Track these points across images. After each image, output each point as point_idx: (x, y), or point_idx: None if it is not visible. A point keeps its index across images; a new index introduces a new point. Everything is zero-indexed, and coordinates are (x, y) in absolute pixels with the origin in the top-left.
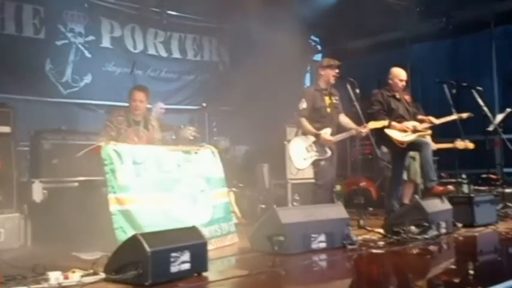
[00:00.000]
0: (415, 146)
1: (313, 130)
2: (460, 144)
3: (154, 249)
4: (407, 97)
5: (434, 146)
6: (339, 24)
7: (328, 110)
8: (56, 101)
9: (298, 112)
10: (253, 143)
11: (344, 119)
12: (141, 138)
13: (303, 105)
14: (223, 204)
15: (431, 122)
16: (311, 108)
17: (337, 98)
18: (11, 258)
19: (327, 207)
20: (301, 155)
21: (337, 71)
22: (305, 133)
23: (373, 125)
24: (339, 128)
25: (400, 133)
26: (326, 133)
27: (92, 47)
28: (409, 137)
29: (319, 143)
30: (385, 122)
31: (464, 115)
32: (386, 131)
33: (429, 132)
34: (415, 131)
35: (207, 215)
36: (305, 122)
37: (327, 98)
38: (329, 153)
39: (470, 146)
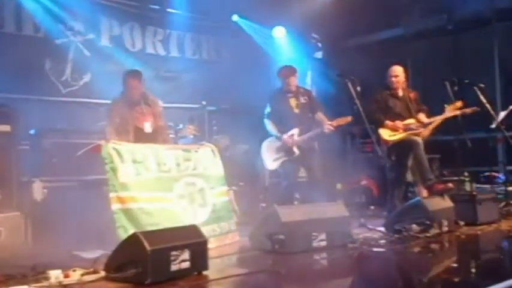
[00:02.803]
0: (405, 145)
1: (274, 132)
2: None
3: (154, 248)
4: (412, 94)
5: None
6: (339, 22)
7: (296, 110)
8: (55, 100)
9: (265, 115)
10: (253, 141)
11: (319, 117)
12: (146, 115)
13: (267, 109)
14: (223, 202)
15: (420, 122)
16: (275, 112)
17: (306, 97)
18: (11, 257)
19: (328, 205)
20: (271, 156)
21: (293, 77)
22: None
23: (337, 122)
24: (315, 127)
25: (388, 132)
26: (293, 134)
27: (91, 46)
28: (396, 136)
29: (286, 144)
30: (349, 118)
31: (468, 110)
32: (379, 129)
33: (421, 130)
34: (406, 130)
35: (207, 213)
36: (268, 125)
37: (292, 100)
38: (296, 153)
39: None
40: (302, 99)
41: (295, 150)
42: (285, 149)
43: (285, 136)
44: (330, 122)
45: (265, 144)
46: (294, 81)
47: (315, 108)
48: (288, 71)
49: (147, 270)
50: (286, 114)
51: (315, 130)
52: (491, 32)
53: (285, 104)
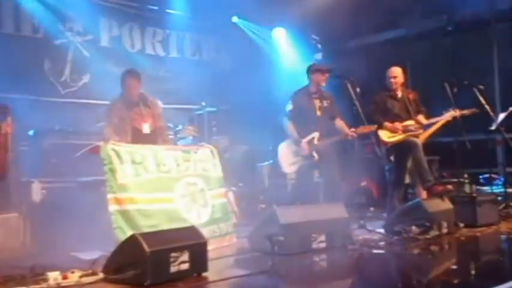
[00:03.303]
0: (403, 146)
1: (296, 136)
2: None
3: (153, 249)
4: (411, 95)
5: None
6: (338, 23)
7: (318, 113)
8: (54, 101)
9: (285, 114)
10: (253, 142)
11: (339, 123)
12: (144, 116)
13: (289, 107)
14: (221, 204)
15: (419, 123)
16: (297, 111)
17: (328, 101)
18: (9, 258)
19: (327, 206)
20: (288, 159)
21: (327, 75)
22: (289, 136)
23: (361, 130)
24: (333, 132)
25: (387, 133)
26: (313, 138)
27: (91, 46)
28: (395, 138)
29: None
30: (373, 127)
31: (467, 111)
32: (379, 131)
33: (420, 132)
34: (405, 131)
35: (206, 214)
36: (290, 125)
37: (316, 101)
38: (316, 157)
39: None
40: (325, 103)
41: (314, 154)
42: (304, 153)
43: (304, 141)
44: (353, 129)
45: (282, 147)
46: (325, 80)
47: (334, 113)
48: (325, 67)
49: (146, 272)
50: (309, 116)
51: (336, 136)
52: (491, 33)
53: (309, 105)
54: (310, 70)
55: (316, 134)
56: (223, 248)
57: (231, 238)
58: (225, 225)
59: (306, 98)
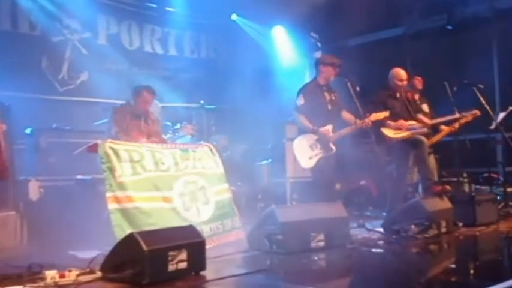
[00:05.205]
0: (409, 144)
1: (311, 126)
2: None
3: (151, 248)
4: (409, 94)
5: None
6: (338, 21)
7: (329, 106)
8: (52, 99)
9: (296, 109)
10: (252, 141)
11: (347, 115)
12: (142, 133)
13: (301, 101)
14: (226, 199)
15: (423, 123)
16: (310, 105)
17: (336, 94)
18: (6, 257)
19: (326, 205)
20: (306, 153)
21: (337, 69)
22: (304, 130)
23: (375, 116)
24: (342, 125)
25: (392, 131)
26: (328, 129)
27: (88, 44)
28: (400, 134)
29: (322, 140)
30: (387, 113)
31: (469, 116)
32: (382, 128)
33: (425, 130)
34: (409, 129)
35: (208, 212)
36: (303, 119)
37: (326, 95)
38: (334, 149)
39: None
40: (333, 96)
41: (332, 146)
42: (321, 145)
43: (321, 129)
44: (367, 117)
45: (297, 143)
46: (336, 74)
47: (341, 106)
48: (338, 59)
49: (144, 271)
50: (321, 109)
51: (349, 128)
52: (491, 33)
53: (321, 98)
54: (322, 62)
55: (330, 127)
56: (222, 247)
57: (237, 234)
58: (230, 221)
59: (318, 92)
